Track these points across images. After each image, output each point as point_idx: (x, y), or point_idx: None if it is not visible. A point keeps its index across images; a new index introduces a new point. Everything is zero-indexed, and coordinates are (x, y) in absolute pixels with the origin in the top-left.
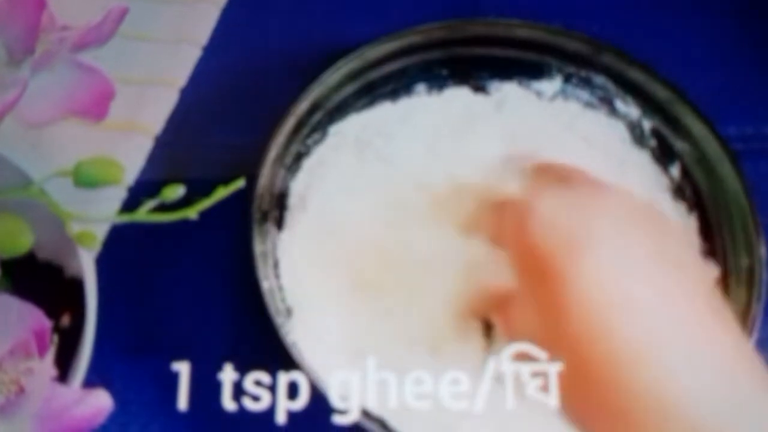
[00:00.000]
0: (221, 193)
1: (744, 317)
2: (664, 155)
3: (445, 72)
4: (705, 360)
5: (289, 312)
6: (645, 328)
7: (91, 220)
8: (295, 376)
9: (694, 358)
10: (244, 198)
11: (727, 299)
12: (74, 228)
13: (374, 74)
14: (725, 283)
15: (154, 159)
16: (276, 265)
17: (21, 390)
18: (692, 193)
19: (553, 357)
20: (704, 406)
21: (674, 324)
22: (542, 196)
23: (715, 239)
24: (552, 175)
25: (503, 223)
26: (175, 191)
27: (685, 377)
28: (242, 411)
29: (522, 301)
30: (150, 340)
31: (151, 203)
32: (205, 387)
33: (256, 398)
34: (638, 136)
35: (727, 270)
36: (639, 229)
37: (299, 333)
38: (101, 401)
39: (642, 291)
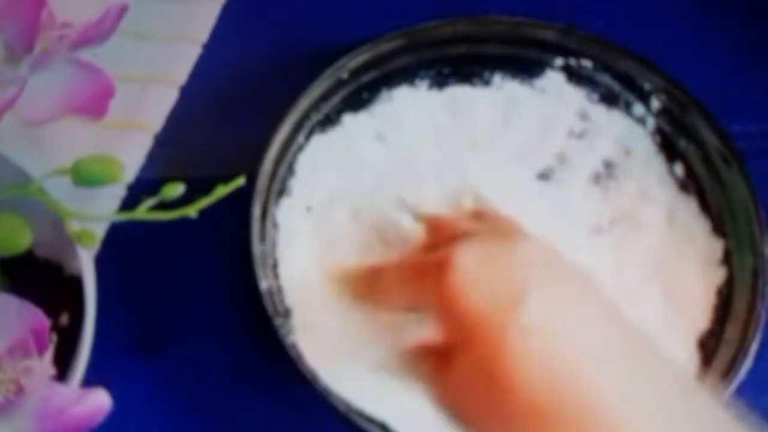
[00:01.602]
0: (221, 191)
1: (748, 317)
2: (668, 154)
3: (446, 70)
4: (656, 395)
5: (288, 312)
6: (595, 375)
7: (91, 218)
8: (294, 376)
9: (645, 393)
10: (244, 196)
11: (732, 301)
12: (73, 226)
13: (375, 72)
14: (730, 285)
15: (153, 157)
16: (275, 265)
17: (20, 389)
18: (696, 191)
19: (504, 423)
20: None
21: (621, 364)
22: (459, 250)
23: (720, 239)
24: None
25: (424, 284)
26: (175, 189)
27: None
28: (241, 409)
29: (458, 364)
30: (149, 338)
31: (150, 201)
32: (204, 386)
33: (254, 397)
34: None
35: (732, 271)
36: (561, 274)
37: (299, 333)
38: (100, 400)
39: (582, 337)
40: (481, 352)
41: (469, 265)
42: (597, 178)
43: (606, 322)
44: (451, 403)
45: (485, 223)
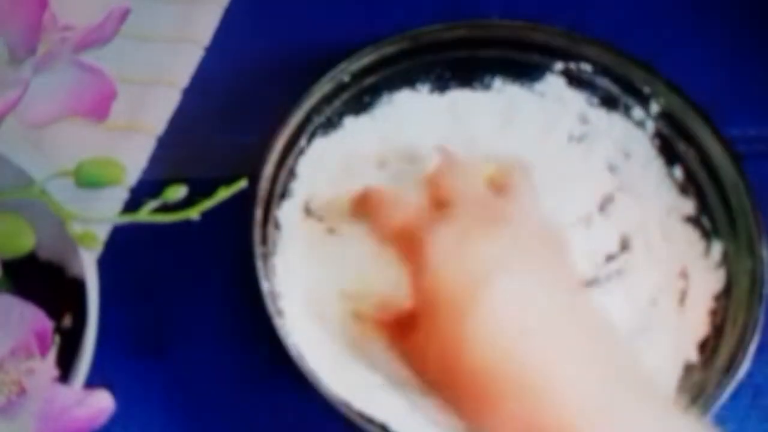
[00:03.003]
0: (223, 193)
1: (746, 319)
2: (667, 157)
3: (447, 74)
4: (597, 381)
5: (290, 314)
6: (540, 354)
7: (93, 220)
8: (296, 377)
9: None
10: (246, 198)
11: (730, 303)
12: (76, 228)
13: (377, 76)
14: (728, 287)
15: (155, 159)
16: (276, 267)
17: (22, 390)
18: (696, 194)
19: (453, 389)
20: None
21: (567, 349)
22: (437, 229)
23: (719, 242)
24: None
25: (404, 246)
26: (177, 192)
27: (579, 396)
28: (242, 411)
29: (425, 331)
30: (151, 340)
31: (152, 204)
32: (206, 387)
33: (256, 399)
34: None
35: (731, 273)
36: (531, 257)
37: (300, 334)
38: (103, 402)
39: (535, 319)
40: (440, 325)
41: (443, 244)
42: None
43: (566, 315)
44: (411, 367)
45: (478, 202)
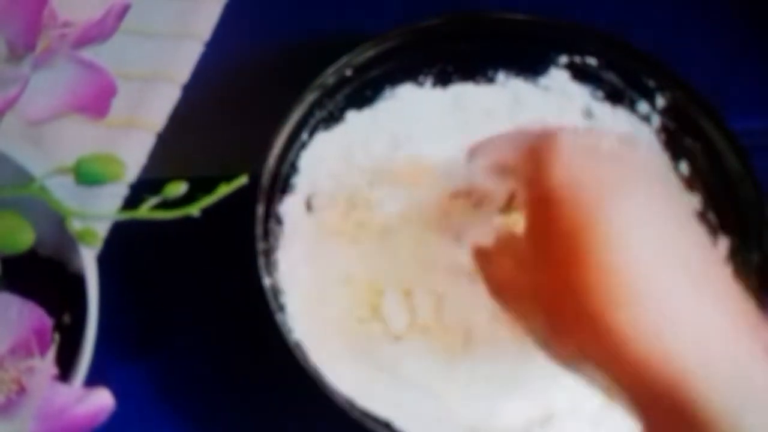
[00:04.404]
0: (224, 190)
1: None
2: (673, 151)
3: (450, 67)
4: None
5: (290, 310)
6: (665, 297)
7: (93, 217)
8: (298, 375)
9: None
10: (246, 195)
11: None
12: (76, 225)
13: (379, 70)
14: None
15: (155, 156)
16: (278, 263)
17: (22, 389)
18: (702, 189)
19: (563, 303)
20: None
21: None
22: (567, 138)
23: (726, 236)
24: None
25: (522, 160)
26: (177, 188)
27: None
28: (244, 408)
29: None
30: (151, 337)
31: (153, 200)
32: (207, 385)
33: (257, 396)
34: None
35: (738, 268)
36: (658, 186)
37: (302, 331)
38: (102, 400)
39: (663, 252)
40: (565, 226)
41: (572, 151)
42: None
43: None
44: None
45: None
